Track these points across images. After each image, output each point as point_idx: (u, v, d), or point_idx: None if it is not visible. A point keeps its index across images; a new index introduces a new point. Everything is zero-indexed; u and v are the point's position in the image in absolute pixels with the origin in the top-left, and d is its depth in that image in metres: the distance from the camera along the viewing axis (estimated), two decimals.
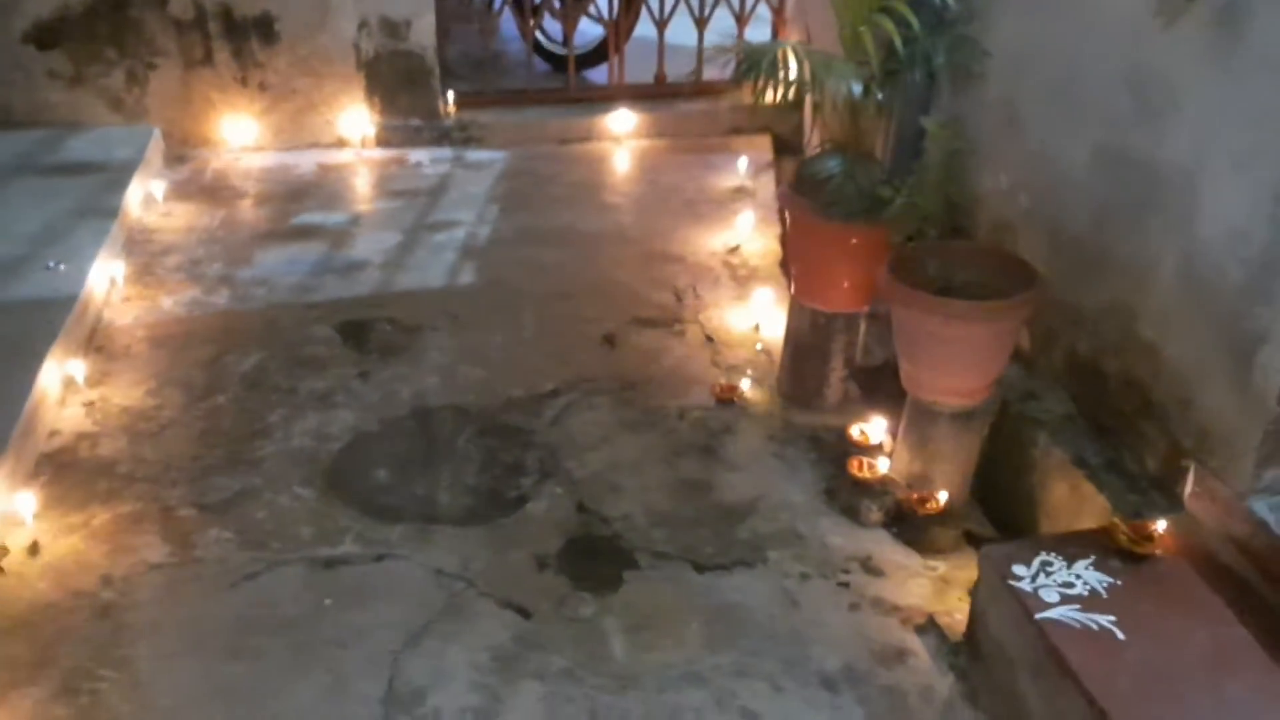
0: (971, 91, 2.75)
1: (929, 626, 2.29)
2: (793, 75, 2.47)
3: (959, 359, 2.42)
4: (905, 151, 2.70)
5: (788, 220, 2.94)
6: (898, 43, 2.40)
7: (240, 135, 4.44)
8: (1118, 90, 2.27)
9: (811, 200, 2.66)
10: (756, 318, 3.37)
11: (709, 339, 3.30)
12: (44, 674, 2.09)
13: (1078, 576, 2.02)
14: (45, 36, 4.15)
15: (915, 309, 2.39)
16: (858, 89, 2.45)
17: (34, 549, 2.39)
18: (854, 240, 2.67)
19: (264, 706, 2.05)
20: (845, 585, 2.39)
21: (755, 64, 2.40)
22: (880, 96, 2.48)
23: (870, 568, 2.44)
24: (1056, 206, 2.51)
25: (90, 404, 2.89)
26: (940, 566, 2.44)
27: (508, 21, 5.06)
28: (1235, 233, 1.98)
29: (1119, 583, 2.01)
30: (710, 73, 4.83)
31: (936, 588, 2.39)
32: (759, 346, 3.25)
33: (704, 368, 3.16)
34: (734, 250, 3.83)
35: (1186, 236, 2.11)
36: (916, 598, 2.36)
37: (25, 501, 2.44)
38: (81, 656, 2.14)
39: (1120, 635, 1.90)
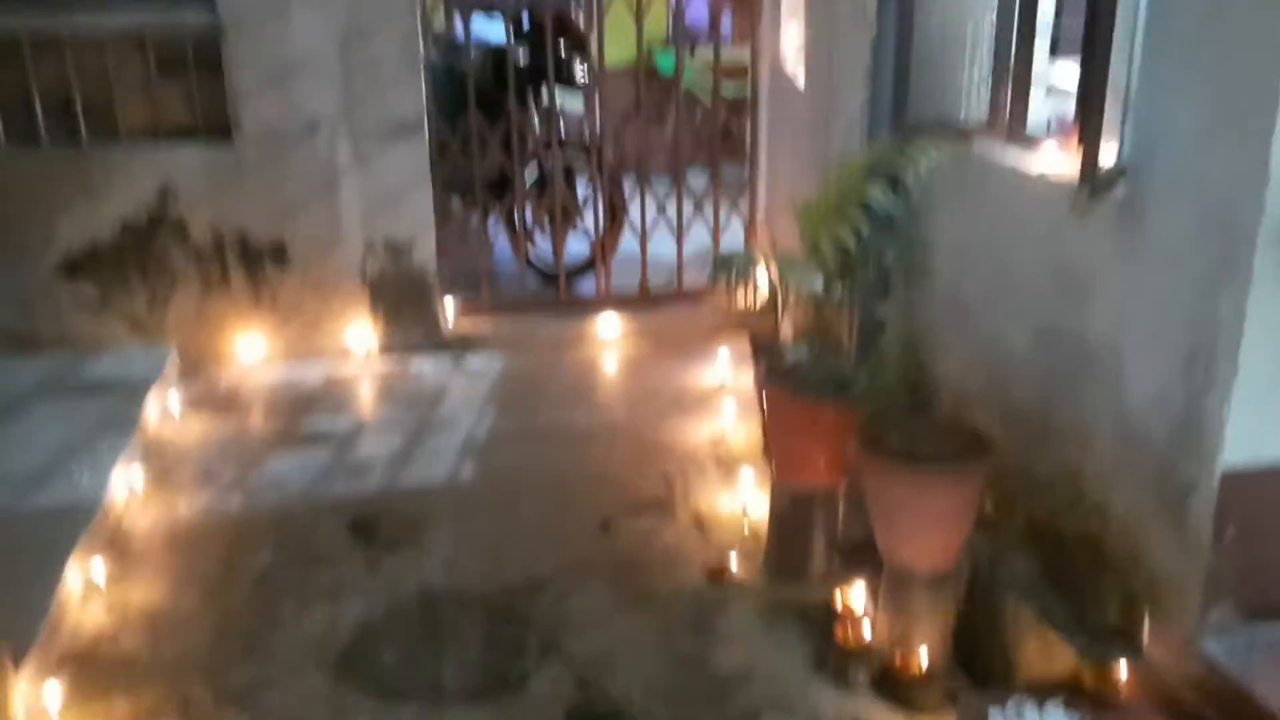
0: (923, 283, 3.07)
1: None
2: (761, 277, 2.78)
3: (926, 524, 2.61)
4: (867, 338, 2.98)
5: (765, 406, 3.18)
6: (851, 245, 2.72)
7: (252, 350, 4.74)
8: (1046, 278, 2.57)
9: (784, 385, 2.92)
10: (742, 501, 3.56)
11: (698, 523, 3.49)
12: None
13: (1048, 718, 2.15)
14: (75, 267, 4.51)
15: (883, 478, 2.61)
16: (819, 286, 2.75)
17: None
18: (824, 419, 2.91)
19: None
20: None
21: (727, 268, 2.71)
22: (839, 292, 2.78)
23: None
24: (1005, 382, 2.77)
25: (110, 603, 3.03)
26: None
27: (503, 241, 5.48)
28: (1157, 396, 2.23)
29: None
30: (690, 279, 5.23)
31: None
32: (745, 528, 3.43)
33: (694, 549, 3.33)
34: (719, 440, 4.06)
35: (1117, 402, 2.35)
36: None
37: (51, 695, 2.56)
38: None
39: None
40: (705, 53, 5.75)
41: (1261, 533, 2.12)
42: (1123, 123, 2.25)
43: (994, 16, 2.88)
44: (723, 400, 4.35)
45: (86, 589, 3.05)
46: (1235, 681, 2.09)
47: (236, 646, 2.86)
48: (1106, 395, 2.39)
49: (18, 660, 2.51)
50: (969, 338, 2.92)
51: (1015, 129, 2.77)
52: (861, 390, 2.76)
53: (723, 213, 5.33)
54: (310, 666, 2.78)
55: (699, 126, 5.74)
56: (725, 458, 3.92)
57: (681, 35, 5.76)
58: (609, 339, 5.10)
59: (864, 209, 2.71)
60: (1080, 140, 2.29)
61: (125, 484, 3.56)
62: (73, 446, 3.67)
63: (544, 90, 5.19)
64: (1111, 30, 2.19)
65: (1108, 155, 2.29)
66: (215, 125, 4.52)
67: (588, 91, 5.52)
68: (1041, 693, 2.24)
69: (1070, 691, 2.24)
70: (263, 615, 3.00)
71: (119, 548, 3.31)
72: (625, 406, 4.46)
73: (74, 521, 3.18)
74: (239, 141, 4.49)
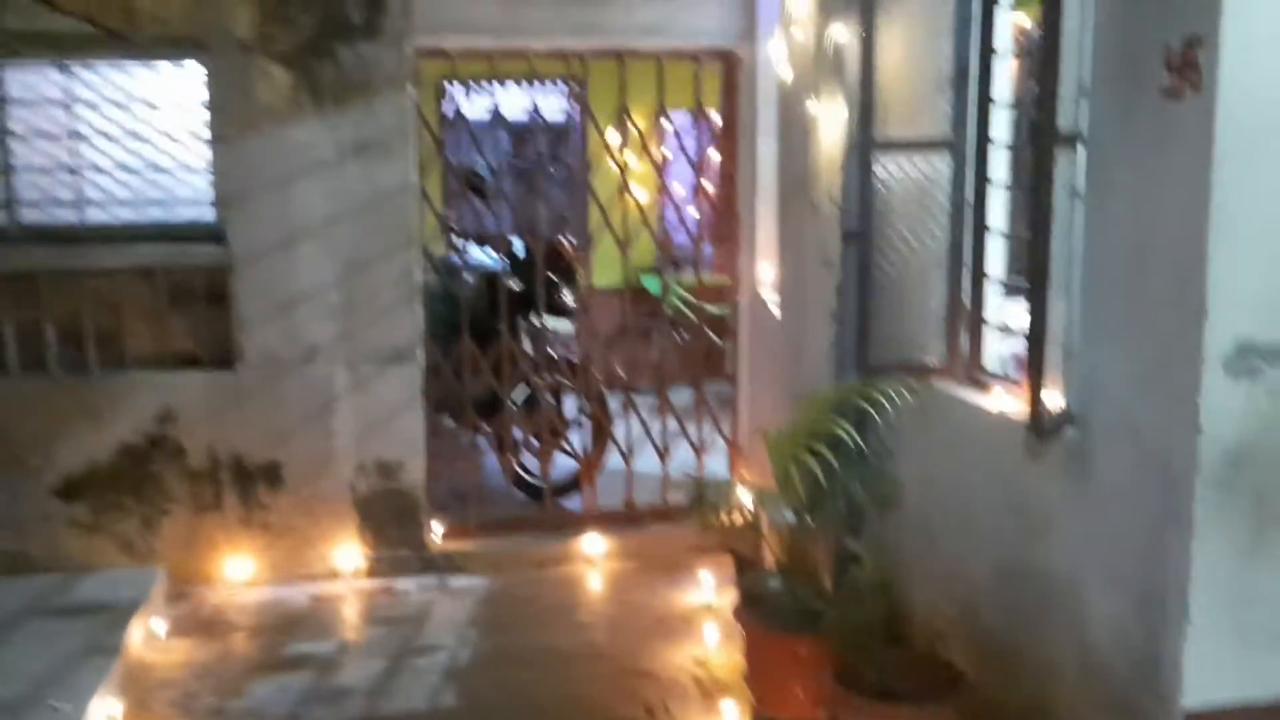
0: (893, 516, 3.18)
1: None
2: (743, 497, 2.89)
3: None
4: (840, 569, 3.06)
5: (743, 635, 3.23)
6: (820, 477, 2.85)
7: (239, 571, 4.77)
8: (1006, 515, 2.69)
9: (760, 616, 2.99)
10: None
11: None
12: None
13: None
14: (72, 490, 4.61)
15: (860, 715, 2.64)
16: (790, 517, 2.86)
17: None
18: (800, 652, 2.96)
19: None
20: None
21: (702, 498, 2.83)
22: (810, 523, 2.88)
23: None
24: (974, 614, 2.84)
25: None
26: None
27: (491, 459, 5.61)
28: (1116, 634, 2.30)
29: None
30: (674, 497, 5.33)
31: None
32: None
33: None
34: (701, 663, 4.06)
35: (1080, 637, 2.43)
36: None
37: None
38: None
39: None
40: (690, 276, 6.05)
41: None
42: (1066, 370, 2.43)
43: (946, 265, 3.11)
44: (705, 623, 4.36)
45: None
46: None
47: None
48: (1070, 630, 2.47)
49: None
50: (938, 569, 3.01)
51: (972, 370, 2.95)
52: (835, 623, 2.82)
53: (706, 430, 5.48)
54: None
55: (683, 346, 5.97)
56: (707, 683, 3.90)
57: (666, 259, 6.08)
58: (593, 556, 5.15)
59: (831, 444, 2.84)
60: (1027, 386, 2.45)
61: (103, 715, 3.53)
62: (54, 675, 3.66)
63: (534, 315, 5.44)
64: (1046, 285, 2.39)
65: (1054, 400, 2.45)
66: (219, 352, 4.72)
67: (575, 316, 5.78)
68: None
69: None
70: None
71: None
72: (607, 628, 4.47)
73: None
74: (240, 368, 4.69)
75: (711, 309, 5.85)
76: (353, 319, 4.77)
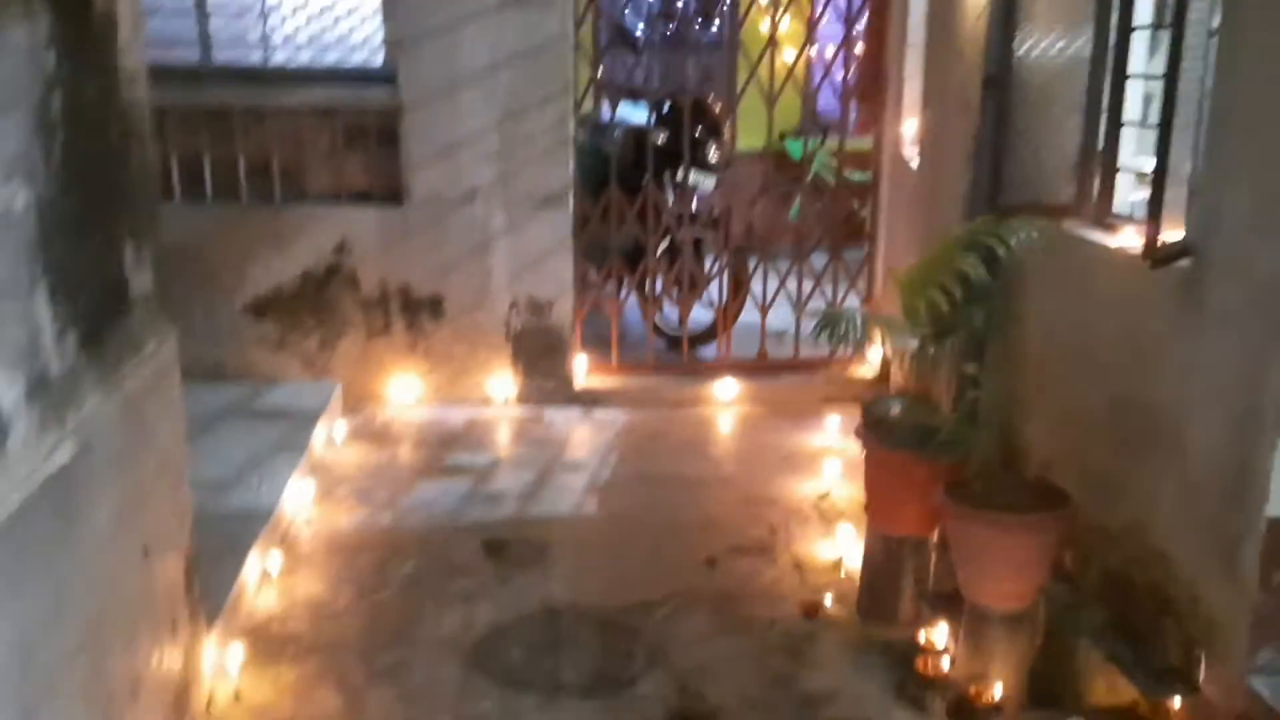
0: (1013, 351, 3.35)
1: None
2: (874, 351, 3.10)
3: (1003, 568, 2.87)
4: (961, 396, 3.27)
5: (863, 455, 3.48)
6: (944, 308, 3.03)
7: (405, 392, 5.26)
8: (1120, 349, 2.84)
9: (880, 436, 3.23)
10: (841, 551, 3.83)
11: (797, 566, 3.78)
12: None
13: None
14: (260, 309, 5.14)
15: (964, 522, 2.88)
16: (913, 344, 3.07)
17: (237, 696, 2.94)
18: (917, 471, 3.20)
19: None
20: None
21: (831, 324, 3.06)
22: (933, 351, 3.09)
23: None
24: (1083, 445, 3.02)
25: (281, 591, 3.51)
26: None
27: (632, 308, 5.92)
28: (1212, 454, 2.47)
29: None
30: (806, 351, 5.55)
31: None
32: (842, 573, 3.70)
33: (792, 589, 3.62)
34: (823, 497, 4.35)
35: (1180, 461, 2.59)
36: None
37: (233, 657, 3.02)
38: None
39: None
40: (834, 141, 6.13)
41: None
42: (1188, 206, 2.54)
43: (1083, 108, 3.19)
44: (831, 463, 4.63)
45: (262, 578, 3.53)
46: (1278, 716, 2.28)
47: (385, 635, 3.28)
48: (1171, 457, 2.63)
49: (209, 622, 2.98)
50: (1053, 404, 3.18)
51: (1100, 211, 3.06)
52: (949, 443, 3.04)
53: (842, 291, 5.65)
54: (447, 656, 3.18)
55: (822, 210, 6.09)
56: (828, 512, 4.20)
57: (811, 123, 6.17)
58: (726, 401, 5.45)
59: (957, 277, 3.01)
60: (1148, 219, 2.58)
61: (296, 495, 4.07)
62: (254, 461, 4.20)
63: (679, 169, 5.66)
64: (1172, 121, 2.48)
65: (1173, 234, 2.57)
66: (388, 190, 5.12)
67: (719, 172, 5.96)
68: (1097, 718, 2.47)
69: (1124, 717, 2.45)
70: (407, 612, 3.42)
71: (289, 547, 3.80)
72: (737, 461, 4.80)
73: (254, 522, 3.67)
74: (408, 205, 5.08)
75: (853, 176, 5.94)
76: (510, 163, 5.08)
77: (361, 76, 5.16)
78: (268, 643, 3.22)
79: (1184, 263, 2.55)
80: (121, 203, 2.39)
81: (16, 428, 1.81)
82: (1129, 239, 2.86)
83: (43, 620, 1.92)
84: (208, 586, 3.01)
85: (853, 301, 5.71)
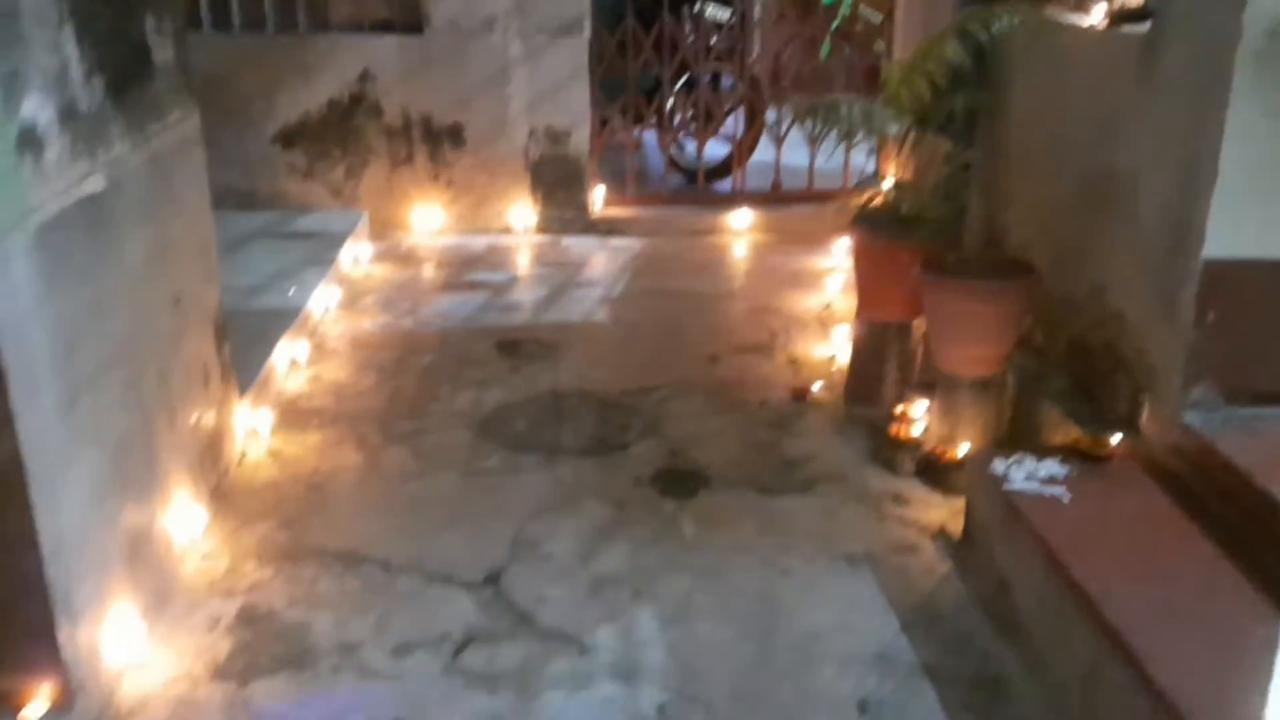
0: (997, 139, 3.48)
1: (938, 534, 2.87)
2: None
3: (971, 332, 3.06)
4: (949, 180, 3.41)
5: (852, 248, 3.65)
6: (925, 94, 3.16)
7: (429, 221, 5.48)
8: (1090, 126, 2.96)
9: (867, 225, 3.40)
10: (835, 350, 4.04)
11: (793, 362, 4.00)
12: (271, 517, 2.91)
13: (1042, 466, 2.60)
14: (289, 138, 5.34)
15: (937, 291, 3.07)
16: (894, 130, 3.21)
17: (270, 454, 3.25)
18: (901, 257, 3.36)
19: (427, 544, 2.80)
20: (876, 508, 3.00)
21: (814, 110, 3.20)
22: (913, 136, 3.23)
23: (899, 500, 3.05)
24: (1055, 223, 3.17)
25: (308, 376, 3.80)
26: (958, 502, 3.01)
27: (650, 148, 6.05)
28: (1161, 209, 2.61)
29: (1075, 472, 2.58)
30: (820, 184, 5.66)
31: (951, 513, 2.96)
32: (833, 366, 3.92)
33: (785, 378, 3.85)
34: (825, 307, 4.54)
35: (1134, 219, 2.74)
36: (932, 518, 2.94)
37: (263, 422, 3.32)
38: (297, 511, 2.95)
39: (1066, 500, 2.47)
40: None
41: (1239, 321, 2.49)
42: None
43: None
44: (835, 279, 4.81)
45: (291, 365, 3.82)
46: (1209, 445, 2.48)
47: (402, 409, 3.57)
48: (1128, 220, 2.78)
49: (241, 391, 3.27)
50: (1031, 190, 3.32)
51: None
52: (932, 223, 3.21)
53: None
54: (458, 426, 3.46)
55: (848, 61, 6.03)
56: (827, 319, 4.40)
57: None
58: (740, 230, 5.61)
59: (942, 64, 3.13)
60: None
61: (323, 300, 4.34)
62: (283, 273, 4.47)
63: (697, 2, 5.72)
64: None
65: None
66: (409, 20, 5.26)
67: (738, 5, 5.99)
68: (1043, 452, 2.68)
69: (1068, 453, 2.67)
70: (424, 392, 3.70)
71: (316, 342, 4.08)
72: (745, 279, 4.99)
73: (284, 318, 3.95)
74: (428, 34, 5.22)
75: (871, 14, 5.93)
76: None
77: None
78: (295, 414, 3.52)
79: (1144, 26, 2.66)
80: None
81: (51, 145, 2.04)
82: (1100, 15, 2.96)
83: (82, 321, 2.18)
84: (240, 365, 3.30)
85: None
